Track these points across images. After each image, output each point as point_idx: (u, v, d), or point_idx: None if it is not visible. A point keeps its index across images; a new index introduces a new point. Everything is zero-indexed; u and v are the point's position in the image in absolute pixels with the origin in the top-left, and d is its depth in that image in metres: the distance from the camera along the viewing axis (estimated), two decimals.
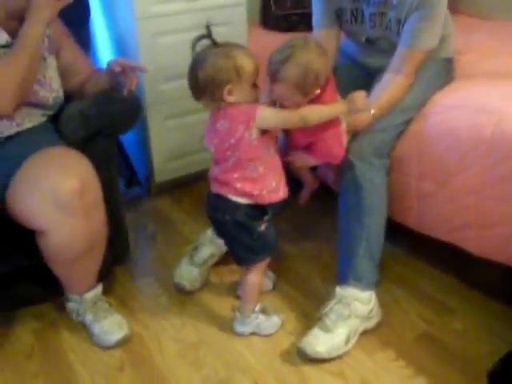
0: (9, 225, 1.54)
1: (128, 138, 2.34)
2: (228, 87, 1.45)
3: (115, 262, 1.91)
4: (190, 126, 2.36)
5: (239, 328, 1.71)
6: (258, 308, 1.70)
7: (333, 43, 1.90)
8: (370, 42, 1.90)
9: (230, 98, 1.46)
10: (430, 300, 1.84)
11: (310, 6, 1.94)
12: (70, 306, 1.71)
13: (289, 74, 1.47)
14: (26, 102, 1.63)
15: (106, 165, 1.78)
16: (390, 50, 1.81)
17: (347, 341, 1.63)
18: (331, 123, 1.60)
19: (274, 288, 1.89)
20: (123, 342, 1.69)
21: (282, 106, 1.55)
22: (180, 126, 2.36)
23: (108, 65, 1.76)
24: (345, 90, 1.67)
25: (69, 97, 1.82)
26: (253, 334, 1.71)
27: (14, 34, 1.61)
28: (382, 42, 1.87)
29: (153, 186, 2.43)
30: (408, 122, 1.79)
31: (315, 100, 1.55)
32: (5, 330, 1.75)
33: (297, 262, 2.04)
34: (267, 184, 1.55)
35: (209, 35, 1.50)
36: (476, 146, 1.61)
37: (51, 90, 1.71)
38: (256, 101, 1.52)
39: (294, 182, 1.82)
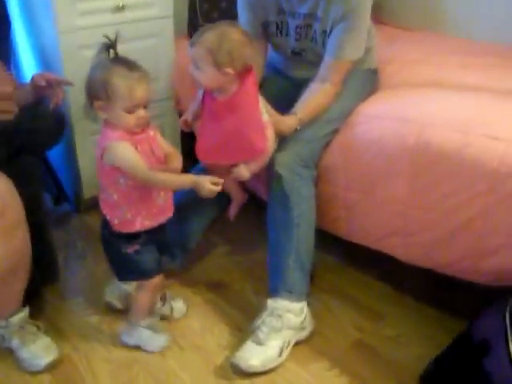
0: None
1: (54, 154, 2.28)
2: (98, 103, 1.42)
3: (44, 282, 1.84)
4: None
5: (124, 337, 1.71)
6: (144, 323, 1.68)
7: (260, 55, 1.91)
8: (295, 54, 1.93)
9: (103, 115, 1.44)
10: (362, 308, 1.86)
11: (237, 18, 1.94)
12: None
13: (205, 38, 1.54)
14: None
15: (30, 182, 1.73)
16: (316, 61, 1.84)
17: (280, 352, 1.63)
18: (250, 117, 1.60)
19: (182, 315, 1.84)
20: (53, 366, 1.63)
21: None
22: None
23: (32, 79, 1.71)
24: (273, 102, 1.72)
25: None
26: (170, 347, 1.70)
27: None
28: (307, 53, 1.90)
29: (81, 202, 2.37)
30: (334, 133, 1.81)
31: (235, 94, 1.58)
32: None
33: (229, 275, 2.03)
34: (120, 214, 1.52)
35: (111, 46, 1.45)
36: (400, 156, 1.65)
37: None
38: (134, 127, 1.44)
39: (223, 195, 1.82)
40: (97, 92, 1.41)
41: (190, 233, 1.93)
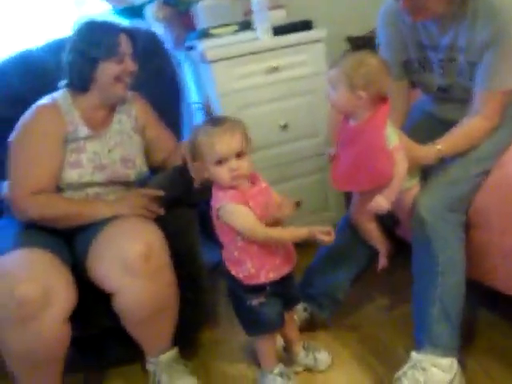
0: (92, 288, 1.66)
1: None
2: (195, 164, 1.51)
3: (198, 326, 1.96)
4: None
5: None
6: (276, 371, 1.67)
7: (402, 96, 1.88)
8: (442, 90, 1.83)
9: (205, 174, 1.51)
10: None
11: None
12: (149, 367, 1.77)
13: (344, 61, 1.58)
14: (108, 180, 1.81)
15: (186, 232, 1.87)
16: (466, 98, 1.73)
17: None
18: (374, 143, 1.57)
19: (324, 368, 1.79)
20: None
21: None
22: None
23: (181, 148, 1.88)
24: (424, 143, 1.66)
25: (154, 171, 1.98)
26: None
27: (94, 125, 1.82)
28: (455, 90, 1.79)
29: None
30: (486, 173, 1.67)
31: (366, 121, 1.57)
32: None
33: (382, 329, 1.93)
34: (244, 269, 1.53)
35: (206, 110, 1.56)
36: None
37: (134, 166, 1.88)
38: (231, 181, 1.48)
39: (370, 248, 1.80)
40: (193, 154, 1.52)
41: (337, 283, 1.90)
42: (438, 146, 1.64)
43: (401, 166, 1.56)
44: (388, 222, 1.80)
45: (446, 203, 1.62)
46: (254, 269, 1.53)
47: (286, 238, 1.55)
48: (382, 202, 1.56)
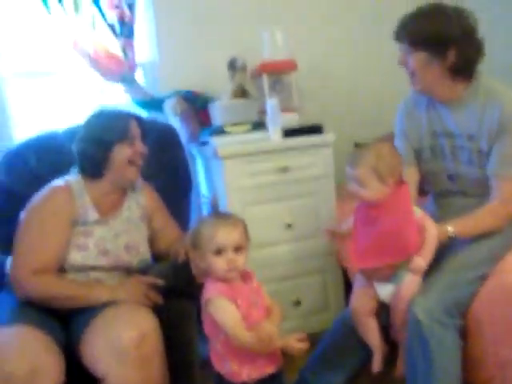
0: (84, 372, 1.64)
1: None
2: (195, 252, 1.56)
3: None
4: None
5: None
6: None
7: (414, 182, 1.94)
8: (451, 179, 1.89)
9: (203, 264, 1.56)
10: None
11: None
12: None
13: (365, 158, 1.68)
14: (111, 265, 1.84)
15: (182, 324, 1.86)
16: (470, 193, 1.82)
17: None
18: (405, 216, 1.65)
19: None
20: None
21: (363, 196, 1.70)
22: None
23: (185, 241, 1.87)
24: None
25: (157, 259, 2.00)
26: None
27: (103, 210, 1.87)
28: (463, 179, 1.85)
29: None
30: (483, 278, 1.69)
31: (392, 200, 1.67)
32: None
33: None
34: (226, 365, 1.52)
35: (213, 206, 1.61)
36: None
37: (137, 254, 1.91)
38: (226, 272, 1.52)
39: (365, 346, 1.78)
40: (193, 243, 1.57)
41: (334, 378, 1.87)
42: (449, 227, 1.70)
43: (432, 229, 1.66)
44: (384, 322, 1.79)
45: (443, 307, 1.62)
46: (236, 366, 1.52)
47: (257, 349, 1.50)
48: (420, 262, 1.65)
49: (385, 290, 1.73)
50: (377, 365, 1.77)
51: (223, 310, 1.50)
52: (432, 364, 1.58)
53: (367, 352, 1.80)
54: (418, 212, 1.70)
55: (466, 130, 1.80)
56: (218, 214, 1.61)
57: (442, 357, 1.58)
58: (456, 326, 1.63)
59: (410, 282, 1.67)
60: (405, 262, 1.68)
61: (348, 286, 2.44)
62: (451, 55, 1.74)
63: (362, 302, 1.77)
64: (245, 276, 1.59)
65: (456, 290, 1.66)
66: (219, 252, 1.52)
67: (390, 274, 1.70)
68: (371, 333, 1.76)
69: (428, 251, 1.66)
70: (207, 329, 1.57)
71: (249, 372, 1.52)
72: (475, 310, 1.67)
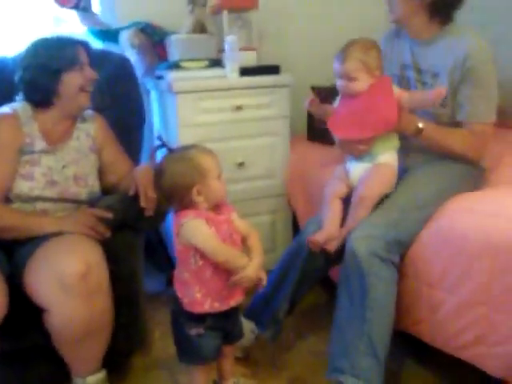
0: (28, 303, 1.64)
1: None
2: (195, 188, 1.50)
3: (130, 351, 1.95)
4: None
5: None
6: None
7: None
8: (413, 113, 1.89)
9: (199, 199, 1.51)
10: None
11: None
12: None
13: (352, 53, 1.76)
14: (59, 197, 1.81)
15: (128, 256, 1.88)
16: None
17: None
18: (382, 96, 1.74)
19: None
20: None
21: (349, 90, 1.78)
22: None
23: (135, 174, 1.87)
24: None
25: (106, 192, 1.99)
26: None
27: (51, 139, 1.84)
28: (423, 116, 1.86)
29: None
30: (426, 220, 1.73)
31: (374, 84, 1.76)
32: None
33: (311, 370, 1.95)
34: (190, 293, 1.53)
35: (163, 144, 1.59)
36: (481, 254, 1.54)
37: (86, 185, 1.89)
38: (224, 193, 1.56)
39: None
40: (192, 179, 1.50)
41: (278, 303, 1.94)
42: (421, 124, 1.78)
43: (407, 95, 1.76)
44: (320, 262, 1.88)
45: (384, 243, 1.65)
46: (200, 294, 1.53)
47: (235, 265, 1.52)
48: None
49: (356, 170, 1.82)
50: (317, 236, 1.78)
51: (200, 230, 1.49)
52: (368, 295, 1.62)
53: (306, 267, 1.89)
54: (397, 90, 1.78)
55: (431, 68, 1.87)
56: (192, 147, 1.57)
57: (378, 289, 1.63)
58: (393, 260, 1.67)
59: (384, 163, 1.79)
60: (380, 142, 1.78)
61: (296, 229, 2.50)
62: None
63: (333, 187, 1.86)
64: (222, 207, 1.59)
65: (399, 229, 1.69)
66: (219, 177, 1.54)
67: (366, 150, 1.79)
68: (331, 213, 1.82)
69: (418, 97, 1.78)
70: (179, 256, 1.56)
71: (211, 302, 1.54)
72: (413, 251, 1.72)
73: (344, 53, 1.78)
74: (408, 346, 1.94)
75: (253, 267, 1.53)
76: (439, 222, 1.70)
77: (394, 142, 1.83)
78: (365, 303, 1.63)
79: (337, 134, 1.86)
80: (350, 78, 1.77)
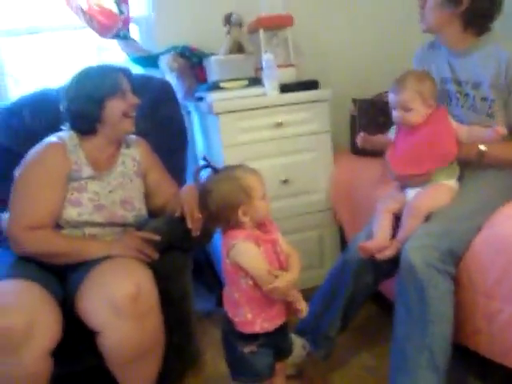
0: (81, 326, 1.66)
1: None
2: (241, 209, 1.49)
3: (184, 370, 1.97)
4: None
5: None
6: None
7: None
8: None
9: (245, 219, 1.50)
10: None
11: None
12: None
13: (408, 83, 1.78)
14: (106, 221, 1.85)
15: (177, 276, 1.90)
16: None
17: None
18: (444, 127, 1.77)
19: None
20: None
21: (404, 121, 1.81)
22: None
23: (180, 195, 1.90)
24: None
25: (153, 214, 2.01)
26: None
27: (98, 166, 1.88)
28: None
29: None
30: (478, 229, 1.69)
31: (430, 117, 1.79)
32: None
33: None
34: (240, 313, 1.53)
35: (208, 164, 1.58)
36: None
37: (133, 209, 1.91)
38: (267, 212, 1.55)
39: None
40: (238, 199, 1.49)
41: (329, 321, 1.92)
42: (482, 147, 1.75)
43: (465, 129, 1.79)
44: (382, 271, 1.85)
45: (438, 253, 1.62)
46: (251, 314, 1.52)
47: (278, 293, 1.51)
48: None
49: (414, 193, 1.82)
50: (369, 244, 1.79)
51: (249, 253, 1.49)
52: (428, 308, 1.59)
53: (357, 288, 1.87)
54: (454, 124, 1.79)
55: (471, 78, 1.84)
56: (235, 167, 1.57)
57: (438, 301, 1.60)
58: (449, 272, 1.64)
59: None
60: (440, 171, 1.78)
61: (343, 243, 2.48)
62: (465, 2, 1.78)
63: (386, 203, 1.86)
64: (268, 226, 1.58)
65: (451, 239, 1.66)
66: (264, 196, 1.54)
67: (426, 181, 1.80)
68: (383, 223, 1.82)
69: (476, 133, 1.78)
70: (228, 276, 1.55)
71: (262, 322, 1.53)
72: (468, 260, 1.68)
73: (399, 83, 1.80)
74: (468, 360, 1.87)
75: (284, 278, 1.50)
76: (492, 230, 1.65)
77: (455, 170, 1.82)
78: (425, 317, 1.59)
79: (396, 171, 1.85)
80: (406, 109, 1.79)
